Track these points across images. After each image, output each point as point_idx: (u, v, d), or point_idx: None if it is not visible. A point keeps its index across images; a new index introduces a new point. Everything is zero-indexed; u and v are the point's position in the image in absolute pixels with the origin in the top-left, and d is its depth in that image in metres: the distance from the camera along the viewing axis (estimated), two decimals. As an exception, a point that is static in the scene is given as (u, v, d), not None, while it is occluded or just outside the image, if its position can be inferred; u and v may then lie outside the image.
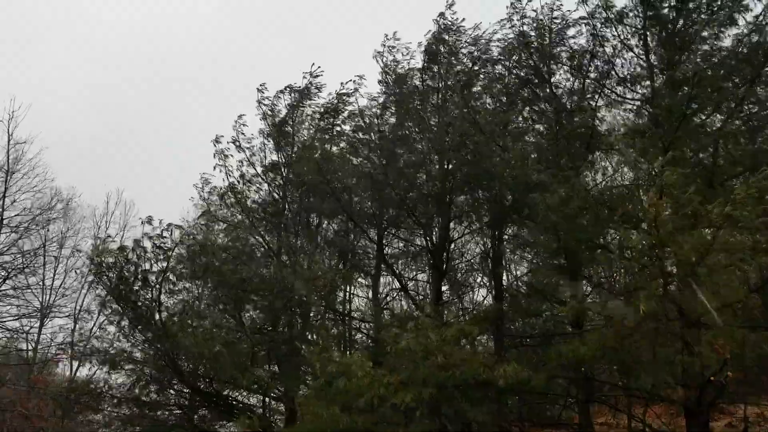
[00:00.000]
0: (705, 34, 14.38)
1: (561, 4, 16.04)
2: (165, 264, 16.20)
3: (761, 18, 13.59)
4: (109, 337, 18.33)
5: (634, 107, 15.58)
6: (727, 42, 14.29)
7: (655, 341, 12.90)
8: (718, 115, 14.08)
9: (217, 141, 19.15)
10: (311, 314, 18.12)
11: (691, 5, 14.31)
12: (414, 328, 13.00)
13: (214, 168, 19.27)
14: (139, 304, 16.22)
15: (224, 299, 16.94)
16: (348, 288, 19.51)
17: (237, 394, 18.94)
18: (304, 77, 19.26)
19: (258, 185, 19.62)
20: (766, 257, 11.78)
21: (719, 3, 14.04)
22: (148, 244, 16.39)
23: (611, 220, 13.74)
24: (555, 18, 16.02)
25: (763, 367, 13.91)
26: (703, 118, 14.11)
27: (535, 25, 16.11)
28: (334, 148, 19.25)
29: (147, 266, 16.20)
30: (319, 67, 19.19)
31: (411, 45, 18.13)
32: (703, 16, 14.30)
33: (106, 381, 20.77)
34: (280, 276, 16.38)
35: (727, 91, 13.64)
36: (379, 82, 18.43)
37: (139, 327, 16.71)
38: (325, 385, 12.63)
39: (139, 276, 16.09)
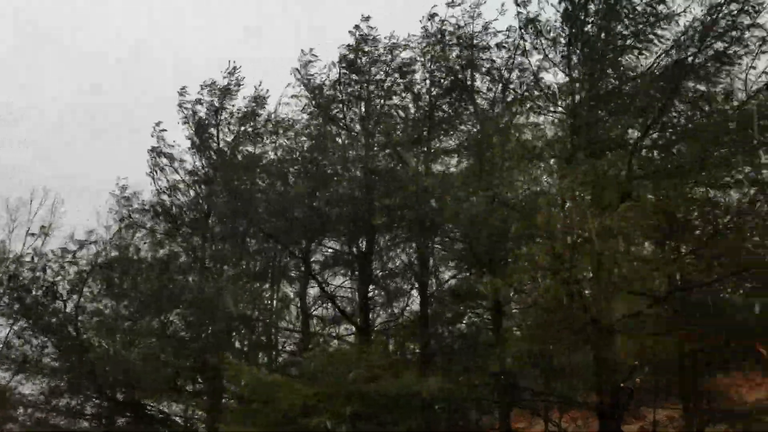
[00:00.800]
0: (627, 56, 14.89)
1: (480, 12, 16.32)
2: (78, 275, 15.64)
3: (681, 36, 13.99)
4: (22, 347, 17.60)
5: (556, 120, 15.97)
6: (650, 59, 14.86)
7: (569, 348, 13.32)
8: (635, 129, 14.60)
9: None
10: (235, 326, 17.85)
11: (612, 24, 14.73)
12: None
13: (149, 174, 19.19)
14: (47, 316, 15.61)
15: (144, 311, 16.49)
16: (275, 297, 19.31)
17: (160, 405, 18.51)
18: (225, 77, 19.19)
19: (183, 192, 19.29)
20: (671, 268, 12.36)
21: (642, 21, 14.50)
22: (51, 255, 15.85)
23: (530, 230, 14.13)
24: (477, 31, 16.33)
25: (671, 371, 14.54)
26: (621, 130, 14.61)
27: (455, 35, 16.39)
28: (258, 150, 19.02)
29: (56, 278, 15.61)
30: (238, 65, 19.28)
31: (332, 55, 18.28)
32: (625, 33, 14.74)
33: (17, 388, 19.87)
34: (203, 287, 16.12)
35: (646, 105, 14.10)
36: (293, 96, 18.54)
37: (51, 339, 16.09)
38: (244, 408, 12.54)
39: (43, 288, 15.48)
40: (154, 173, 19.11)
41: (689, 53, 11.79)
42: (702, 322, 12.23)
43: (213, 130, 19.13)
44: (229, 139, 19.10)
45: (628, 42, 13.58)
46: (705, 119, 11.96)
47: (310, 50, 18.04)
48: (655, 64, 13.50)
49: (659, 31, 13.59)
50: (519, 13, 14.62)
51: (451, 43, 16.50)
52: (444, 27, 16.47)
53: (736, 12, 11.35)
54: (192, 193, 19.47)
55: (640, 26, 13.67)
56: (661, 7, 13.13)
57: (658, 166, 13.85)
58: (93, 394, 18.03)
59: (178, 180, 19.19)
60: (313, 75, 18.08)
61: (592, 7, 13.93)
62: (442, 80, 17.00)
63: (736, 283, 12.01)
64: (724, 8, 11.42)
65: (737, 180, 12.07)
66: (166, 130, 19.30)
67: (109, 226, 19.22)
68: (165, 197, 19.08)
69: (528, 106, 15.61)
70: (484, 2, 16.38)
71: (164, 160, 19.11)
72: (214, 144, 19.12)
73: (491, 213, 12.77)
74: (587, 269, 12.18)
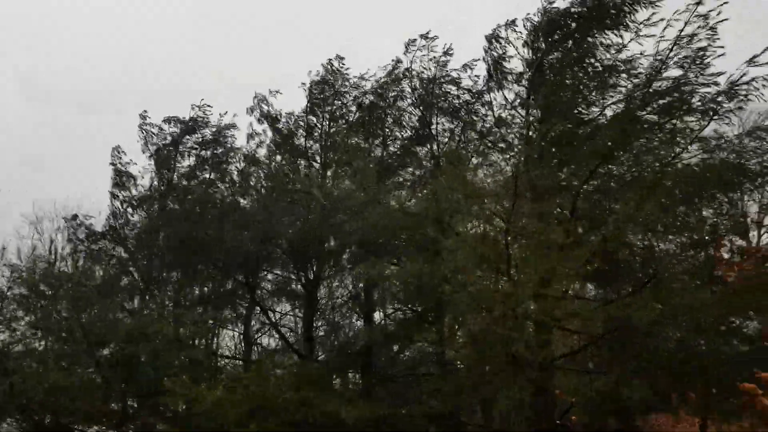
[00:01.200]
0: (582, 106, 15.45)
1: (448, 60, 16.87)
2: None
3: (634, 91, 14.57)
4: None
5: (510, 161, 16.39)
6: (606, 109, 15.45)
7: (507, 384, 13.52)
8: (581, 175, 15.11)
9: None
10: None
11: (568, 81, 15.24)
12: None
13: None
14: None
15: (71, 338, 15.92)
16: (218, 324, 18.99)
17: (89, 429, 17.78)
18: (192, 109, 19.49)
19: (136, 215, 19.09)
20: (610, 308, 12.76)
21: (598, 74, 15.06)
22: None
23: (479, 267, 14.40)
24: (443, 76, 16.75)
25: (606, 410, 14.90)
26: (569, 175, 15.10)
27: (420, 77, 16.81)
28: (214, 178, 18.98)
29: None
30: (207, 103, 19.65)
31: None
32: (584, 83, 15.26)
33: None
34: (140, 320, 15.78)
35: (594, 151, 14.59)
36: (250, 135, 18.75)
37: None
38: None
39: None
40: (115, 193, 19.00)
41: (639, 106, 12.34)
42: (637, 364, 12.61)
43: (171, 160, 19.09)
44: (188, 163, 19.08)
45: (585, 93, 14.06)
46: (647, 171, 12.50)
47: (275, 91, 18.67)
48: (607, 114, 14.03)
49: (616, 81, 14.16)
50: (487, 51, 15.14)
51: (415, 88, 16.92)
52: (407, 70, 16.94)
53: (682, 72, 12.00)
54: (142, 216, 19.21)
55: (597, 80, 14.21)
56: (620, 60, 13.69)
57: (600, 211, 14.34)
58: (17, 417, 17.19)
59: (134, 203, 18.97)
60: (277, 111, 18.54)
61: (555, 54, 14.48)
62: (401, 120, 17.39)
63: (670, 326, 12.44)
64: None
65: (674, 227, 12.64)
66: (125, 153, 19.46)
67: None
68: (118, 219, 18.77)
69: (486, 145, 16.07)
70: (452, 53, 16.99)
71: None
72: (169, 173, 18.98)
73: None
74: (529, 307, 12.51)
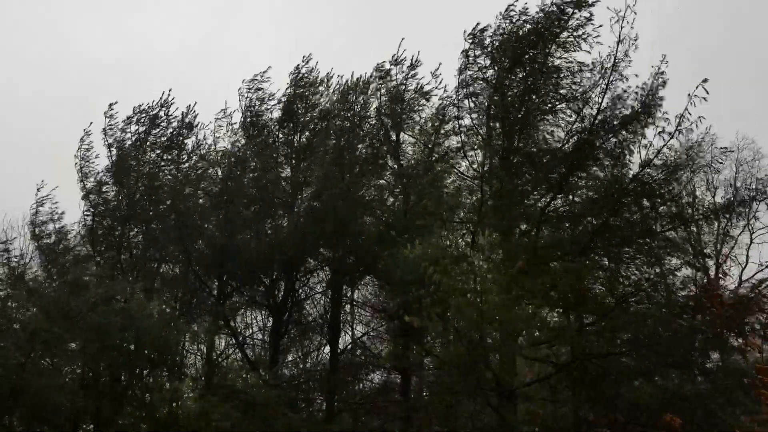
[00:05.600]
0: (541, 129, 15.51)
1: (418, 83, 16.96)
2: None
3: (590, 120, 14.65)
4: None
5: (474, 184, 16.37)
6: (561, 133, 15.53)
7: (474, 411, 13.32)
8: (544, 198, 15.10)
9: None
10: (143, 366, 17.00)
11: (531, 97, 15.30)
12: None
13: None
14: None
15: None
16: (182, 340, 18.57)
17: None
18: (157, 104, 18.86)
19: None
20: (574, 337, 12.63)
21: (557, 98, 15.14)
22: None
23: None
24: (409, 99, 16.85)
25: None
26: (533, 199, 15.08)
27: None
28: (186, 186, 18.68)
29: None
30: (172, 96, 19.00)
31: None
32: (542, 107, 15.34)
33: None
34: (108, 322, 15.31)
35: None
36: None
37: None
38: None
39: None
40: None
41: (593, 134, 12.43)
42: (599, 393, 12.44)
43: (133, 161, 18.67)
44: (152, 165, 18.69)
45: (544, 116, 14.11)
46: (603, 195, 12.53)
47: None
48: (566, 140, 14.08)
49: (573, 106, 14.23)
50: (461, 71, 15.16)
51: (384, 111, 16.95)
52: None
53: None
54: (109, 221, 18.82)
55: (557, 103, 14.28)
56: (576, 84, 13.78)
57: (563, 238, 14.27)
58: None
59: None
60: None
61: (518, 75, 14.52)
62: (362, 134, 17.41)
63: (633, 356, 12.31)
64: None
65: (636, 256, 12.60)
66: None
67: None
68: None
69: (448, 165, 16.06)
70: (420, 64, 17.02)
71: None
72: (133, 174, 18.56)
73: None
74: (494, 334, 12.34)
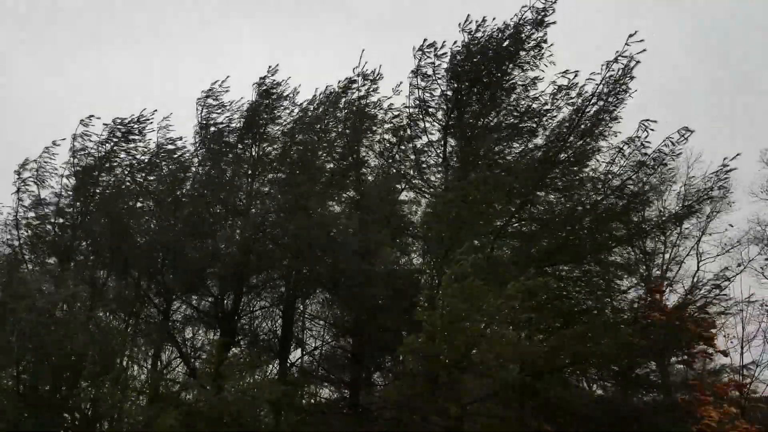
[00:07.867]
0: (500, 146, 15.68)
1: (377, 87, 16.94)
2: None
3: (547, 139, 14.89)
4: None
5: (431, 200, 16.44)
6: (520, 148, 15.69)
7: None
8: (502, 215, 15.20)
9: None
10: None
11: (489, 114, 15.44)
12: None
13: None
14: None
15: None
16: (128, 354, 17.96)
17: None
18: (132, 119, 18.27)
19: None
20: (527, 352, 12.63)
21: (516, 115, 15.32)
22: None
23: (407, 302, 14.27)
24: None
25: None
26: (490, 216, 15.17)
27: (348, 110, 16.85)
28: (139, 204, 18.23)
29: None
30: (151, 111, 18.37)
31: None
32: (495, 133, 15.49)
33: None
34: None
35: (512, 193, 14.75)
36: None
37: None
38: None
39: None
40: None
41: (554, 149, 12.58)
42: (547, 411, 12.48)
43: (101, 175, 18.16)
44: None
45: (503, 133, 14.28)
46: (561, 212, 12.67)
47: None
48: (525, 156, 14.26)
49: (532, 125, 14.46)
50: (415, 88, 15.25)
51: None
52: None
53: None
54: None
55: (516, 120, 14.48)
56: (535, 104, 14.02)
57: (521, 253, 14.38)
58: None
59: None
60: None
61: (475, 94, 14.69)
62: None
63: (580, 372, 12.41)
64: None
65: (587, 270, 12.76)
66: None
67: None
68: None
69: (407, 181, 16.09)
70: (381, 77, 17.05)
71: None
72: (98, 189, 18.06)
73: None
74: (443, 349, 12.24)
